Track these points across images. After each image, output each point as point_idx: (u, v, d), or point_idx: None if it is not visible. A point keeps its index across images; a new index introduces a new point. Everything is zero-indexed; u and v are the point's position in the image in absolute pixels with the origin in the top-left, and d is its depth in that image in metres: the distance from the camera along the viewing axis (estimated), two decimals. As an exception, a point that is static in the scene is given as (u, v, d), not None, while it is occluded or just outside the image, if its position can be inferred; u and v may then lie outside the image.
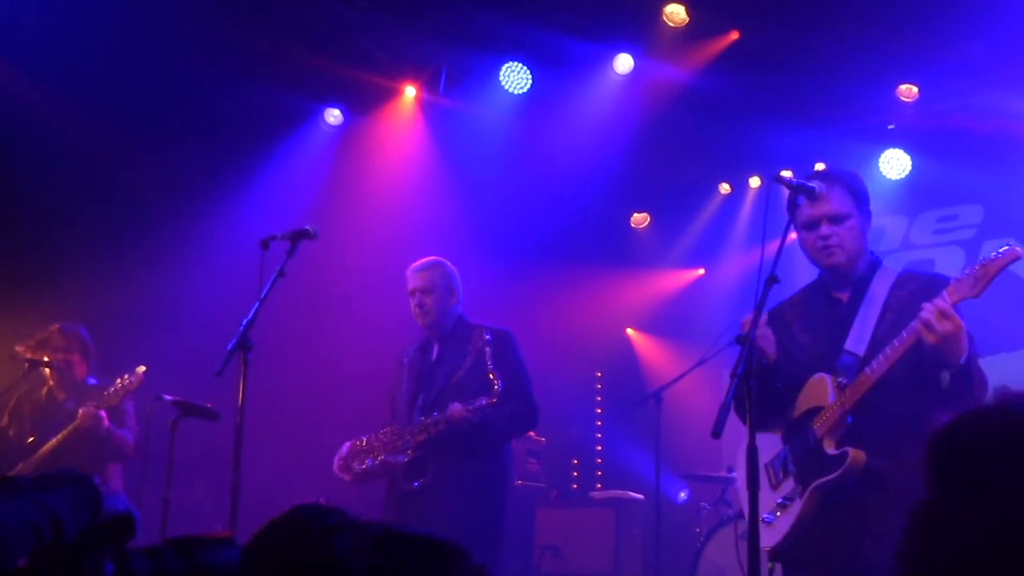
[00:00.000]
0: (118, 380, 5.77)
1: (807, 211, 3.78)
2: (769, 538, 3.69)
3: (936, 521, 1.33)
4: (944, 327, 3.35)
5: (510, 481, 5.53)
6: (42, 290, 7.15)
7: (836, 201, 3.77)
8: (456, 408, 5.06)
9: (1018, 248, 3.39)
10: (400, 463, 5.19)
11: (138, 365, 5.75)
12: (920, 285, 3.69)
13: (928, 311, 3.38)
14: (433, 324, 5.40)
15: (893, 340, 3.53)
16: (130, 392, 5.78)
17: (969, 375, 3.45)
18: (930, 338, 3.38)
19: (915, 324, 3.43)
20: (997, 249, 3.41)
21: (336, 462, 5.38)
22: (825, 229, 3.76)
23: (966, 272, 3.43)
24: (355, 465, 5.31)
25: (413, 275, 5.44)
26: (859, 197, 3.84)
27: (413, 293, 5.41)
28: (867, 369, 3.57)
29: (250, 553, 1.45)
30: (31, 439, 5.94)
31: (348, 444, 5.40)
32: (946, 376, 3.47)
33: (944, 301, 3.39)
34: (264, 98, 7.78)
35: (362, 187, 8.53)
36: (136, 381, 5.70)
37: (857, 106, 8.24)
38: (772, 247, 3.52)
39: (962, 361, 3.41)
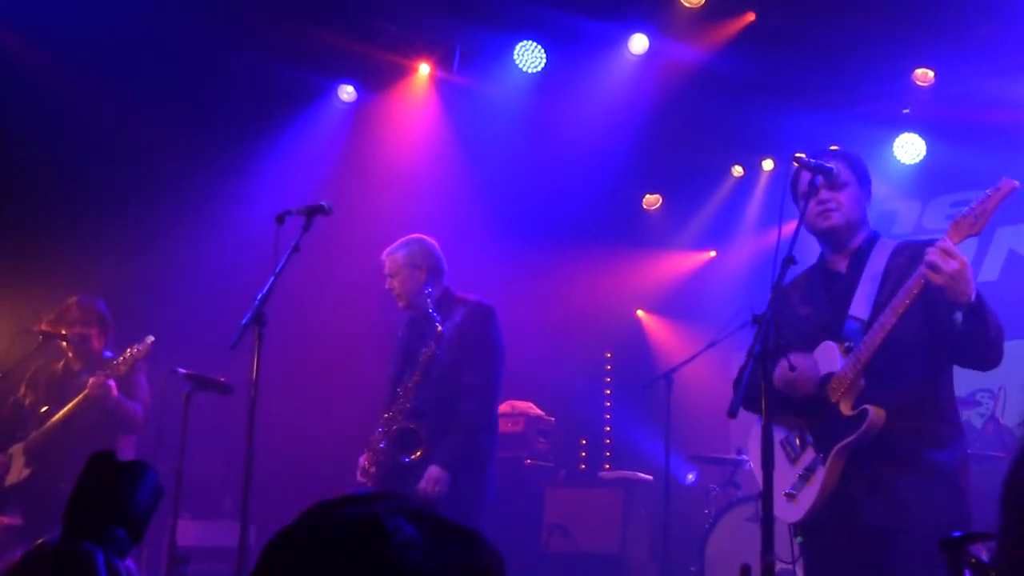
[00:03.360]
0: (128, 350, 5.79)
1: (807, 180, 3.83)
2: (794, 512, 3.73)
3: (1007, 553, 1.35)
4: (950, 265, 3.39)
5: (495, 456, 5.47)
6: (58, 263, 7.18)
7: (836, 169, 3.83)
8: (431, 478, 5.00)
9: (1014, 181, 3.41)
10: (389, 441, 5.18)
11: (147, 335, 5.77)
12: (916, 250, 3.71)
13: (932, 252, 3.42)
14: (410, 305, 5.38)
15: (899, 291, 3.56)
16: (139, 361, 5.78)
17: (983, 313, 3.47)
18: (938, 279, 3.41)
19: (921, 269, 3.47)
20: (994, 184, 3.44)
21: (359, 475, 5.30)
22: (824, 194, 3.83)
23: (964, 211, 3.45)
24: (372, 469, 5.25)
25: (383, 261, 5.46)
26: (859, 172, 3.94)
27: (386, 279, 5.44)
28: (875, 325, 3.60)
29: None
30: (44, 408, 5.97)
31: (362, 456, 5.34)
32: (959, 317, 3.48)
33: (946, 241, 3.43)
34: (278, 74, 7.78)
35: (376, 164, 8.53)
36: (144, 350, 5.72)
37: (872, 90, 8.22)
38: (788, 228, 3.54)
39: (972, 299, 3.43)
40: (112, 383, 5.75)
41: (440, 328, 5.18)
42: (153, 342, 5.75)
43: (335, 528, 1.39)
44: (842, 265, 3.92)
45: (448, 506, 4.91)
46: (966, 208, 3.47)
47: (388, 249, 5.48)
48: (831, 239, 3.92)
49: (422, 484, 4.98)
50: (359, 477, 5.28)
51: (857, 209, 3.89)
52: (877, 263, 3.82)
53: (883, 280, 3.75)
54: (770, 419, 3.20)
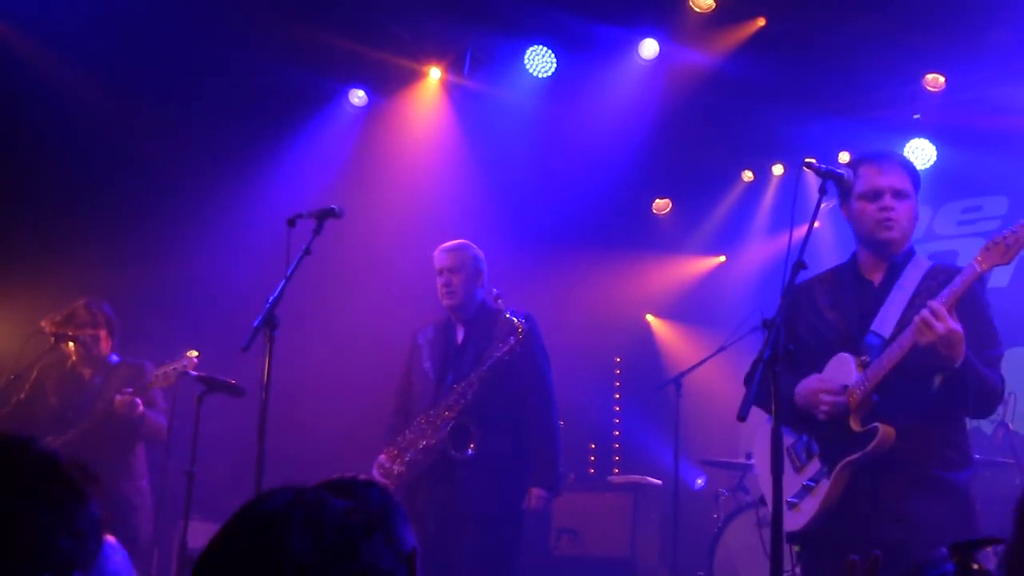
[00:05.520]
0: (172, 364, 5.64)
1: (871, 181, 3.79)
2: (794, 521, 3.71)
3: (1015, 570, 1.36)
4: (938, 329, 3.37)
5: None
6: (69, 266, 7.20)
7: (900, 177, 3.82)
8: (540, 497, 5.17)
9: None
10: (444, 435, 5.16)
11: (188, 349, 5.58)
12: (950, 278, 3.68)
13: (925, 312, 3.41)
14: (459, 305, 5.38)
15: (904, 331, 3.55)
16: (186, 375, 5.57)
17: (963, 381, 3.46)
18: (923, 339, 3.41)
19: (916, 320, 3.44)
20: None
21: (376, 472, 5.30)
22: (889, 201, 3.78)
23: (996, 239, 3.43)
24: (395, 468, 5.24)
25: (442, 254, 5.44)
26: (915, 182, 3.90)
27: (441, 272, 5.40)
28: (894, 344, 3.59)
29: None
30: (60, 414, 5.95)
31: (383, 454, 5.33)
32: (937, 379, 3.50)
33: (939, 302, 3.41)
34: (290, 78, 7.80)
35: (386, 168, 8.55)
36: (191, 365, 5.56)
37: (883, 95, 8.21)
38: (799, 233, 3.53)
39: (957, 365, 3.42)
40: (139, 401, 5.74)
41: (522, 327, 5.20)
42: (198, 356, 5.60)
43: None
44: (875, 275, 3.87)
45: (507, 521, 5.07)
46: (998, 235, 3.43)
47: (447, 245, 5.48)
48: (880, 249, 3.86)
49: (532, 503, 5.16)
50: (377, 476, 5.26)
51: (913, 223, 3.86)
52: (909, 281, 3.78)
53: (911, 300, 3.72)
54: (779, 425, 3.20)
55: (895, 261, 3.85)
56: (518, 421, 5.24)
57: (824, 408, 3.66)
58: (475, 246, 5.54)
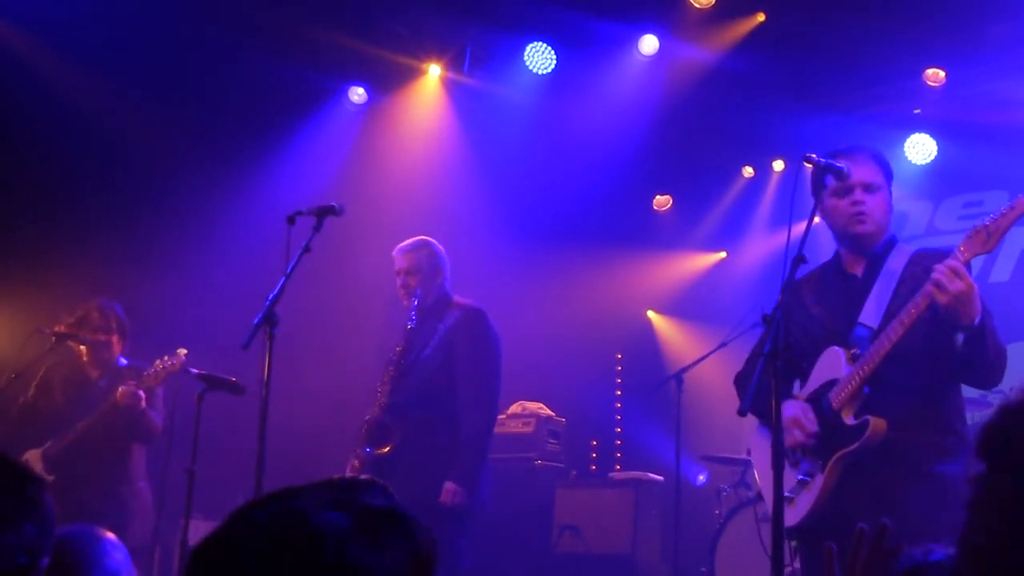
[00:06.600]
0: (158, 361, 5.72)
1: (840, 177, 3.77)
2: (791, 516, 3.70)
3: (990, 507, 1.34)
4: (956, 286, 3.36)
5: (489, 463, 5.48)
6: (70, 264, 7.21)
7: (869, 170, 3.81)
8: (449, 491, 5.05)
9: None
10: (363, 433, 5.24)
11: (179, 347, 5.69)
12: (935, 260, 3.67)
13: (939, 271, 3.39)
14: (416, 306, 5.42)
15: (907, 305, 3.53)
16: (172, 374, 5.70)
17: (983, 337, 3.44)
18: (942, 298, 3.39)
19: (927, 286, 3.43)
20: (1008, 202, 3.41)
21: (348, 468, 5.38)
22: (859, 195, 3.77)
23: (977, 227, 3.42)
24: (355, 462, 5.32)
25: (399, 256, 5.47)
26: (887, 174, 3.90)
27: (399, 273, 5.45)
28: (882, 335, 3.58)
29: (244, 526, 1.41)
30: (62, 413, 5.95)
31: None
32: (959, 338, 3.45)
33: (956, 260, 3.40)
34: (290, 76, 7.80)
35: (386, 165, 8.55)
36: (178, 363, 5.64)
37: (883, 90, 8.19)
38: (798, 228, 3.52)
39: (976, 322, 3.41)
40: (142, 394, 5.75)
41: (410, 326, 5.26)
42: (186, 355, 5.68)
43: (262, 530, 1.33)
44: (858, 268, 3.87)
45: (440, 516, 4.94)
46: (979, 223, 3.43)
47: (404, 247, 5.49)
48: (856, 243, 3.86)
49: (443, 498, 5.02)
50: (348, 470, 5.33)
51: (886, 215, 3.86)
52: (892, 270, 3.78)
53: (896, 288, 3.72)
54: (780, 419, 3.20)
55: (875, 253, 3.85)
56: (452, 415, 5.23)
57: (793, 438, 3.67)
58: (433, 242, 5.54)
